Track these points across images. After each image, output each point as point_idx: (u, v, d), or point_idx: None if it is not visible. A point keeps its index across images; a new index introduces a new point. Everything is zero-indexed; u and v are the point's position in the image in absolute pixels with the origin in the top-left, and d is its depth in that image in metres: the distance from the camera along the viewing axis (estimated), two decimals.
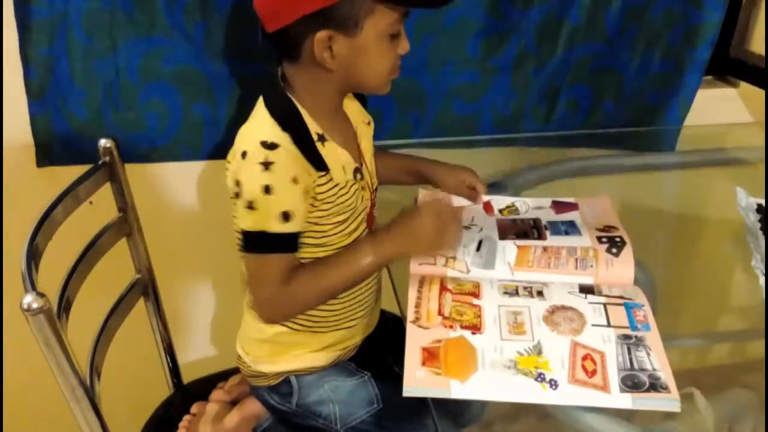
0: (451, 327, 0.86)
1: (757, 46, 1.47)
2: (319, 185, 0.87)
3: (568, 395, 0.77)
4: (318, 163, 0.86)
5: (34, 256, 0.86)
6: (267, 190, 0.82)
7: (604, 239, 1.01)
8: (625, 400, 0.76)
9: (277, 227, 0.84)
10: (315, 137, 0.87)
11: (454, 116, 1.33)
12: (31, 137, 1.18)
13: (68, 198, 0.98)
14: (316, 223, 0.89)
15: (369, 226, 0.97)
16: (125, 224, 1.11)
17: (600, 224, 1.05)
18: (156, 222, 1.20)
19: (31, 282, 0.82)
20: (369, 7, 0.82)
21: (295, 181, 0.83)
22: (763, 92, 1.39)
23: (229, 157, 0.87)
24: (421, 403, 0.97)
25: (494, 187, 1.21)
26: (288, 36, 0.84)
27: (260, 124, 0.86)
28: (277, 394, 1.02)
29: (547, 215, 1.10)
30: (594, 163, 1.39)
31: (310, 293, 0.90)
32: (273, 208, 0.83)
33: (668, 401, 0.76)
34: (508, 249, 1.00)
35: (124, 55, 1.15)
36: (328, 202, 0.88)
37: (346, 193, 0.90)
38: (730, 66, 1.50)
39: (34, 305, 0.78)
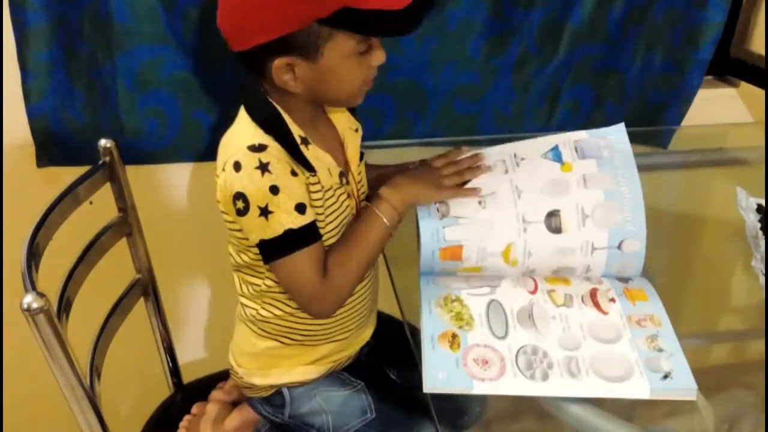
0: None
1: (757, 46, 1.47)
2: (310, 184, 0.86)
3: (591, 386, 0.78)
4: (305, 165, 0.85)
5: (34, 256, 0.86)
6: (274, 190, 0.81)
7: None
8: (645, 391, 0.78)
9: (298, 221, 0.82)
10: (298, 140, 0.86)
11: (454, 116, 1.33)
12: (31, 137, 1.18)
13: (68, 198, 0.98)
14: None
15: None
16: (125, 224, 1.11)
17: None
18: (156, 222, 1.20)
19: (31, 282, 0.82)
20: (328, 33, 0.80)
21: (294, 173, 0.83)
22: (763, 92, 1.39)
23: (218, 170, 0.85)
24: (415, 411, 0.97)
25: None
26: (251, 57, 0.83)
27: (243, 131, 0.85)
28: (270, 405, 1.01)
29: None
30: None
31: (349, 272, 0.88)
32: (287, 205, 0.82)
33: (686, 387, 0.77)
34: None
35: (123, 62, 1.15)
36: (319, 206, 0.87)
37: (332, 196, 0.89)
38: (730, 66, 1.50)
39: (34, 305, 0.78)
